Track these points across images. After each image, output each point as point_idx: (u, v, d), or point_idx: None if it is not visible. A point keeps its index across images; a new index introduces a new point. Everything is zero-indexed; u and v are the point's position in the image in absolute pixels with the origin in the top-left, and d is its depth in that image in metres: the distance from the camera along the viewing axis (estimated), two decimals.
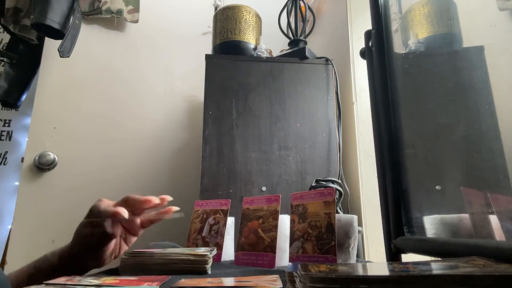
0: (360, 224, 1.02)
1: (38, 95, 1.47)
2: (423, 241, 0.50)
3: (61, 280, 0.41)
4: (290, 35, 1.26)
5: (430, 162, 0.61)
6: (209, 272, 0.52)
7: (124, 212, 0.52)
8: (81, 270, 0.53)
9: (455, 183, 0.56)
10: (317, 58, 1.19)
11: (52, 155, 1.41)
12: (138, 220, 0.58)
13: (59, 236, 1.36)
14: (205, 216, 0.74)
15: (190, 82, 1.67)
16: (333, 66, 1.16)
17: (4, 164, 1.73)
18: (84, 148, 1.47)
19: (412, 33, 0.75)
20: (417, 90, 0.66)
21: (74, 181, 1.42)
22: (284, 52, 1.22)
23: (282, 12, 1.29)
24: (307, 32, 1.29)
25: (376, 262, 0.76)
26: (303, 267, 0.29)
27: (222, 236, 0.68)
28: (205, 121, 1.07)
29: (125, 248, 0.57)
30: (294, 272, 0.31)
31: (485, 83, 0.51)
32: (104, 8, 1.56)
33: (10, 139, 1.76)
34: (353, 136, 1.13)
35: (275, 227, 0.61)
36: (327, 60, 1.17)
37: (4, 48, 1.53)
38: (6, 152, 1.74)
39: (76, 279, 0.41)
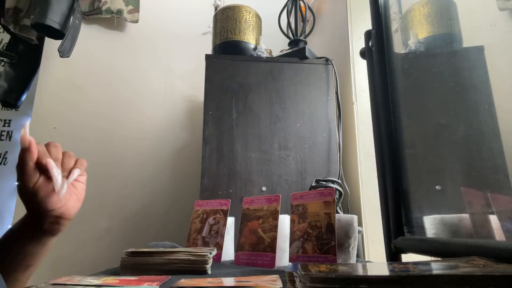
0: (360, 224, 1.02)
1: (38, 95, 1.47)
2: (423, 241, 0.50)
3: (61, 280, 0.41)
4: (290, 35, 1.26)
5: (430, 162, 0.61)
6: (209, 272, 0.52)
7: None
8: (41, 227, 0.48)
9: (455, 183, 0.56)
10: (317, 58, 1.19)
11: None
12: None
13: (59, 235, 1.36)
14: (205, 216, 0.73)
15: (190, 82, 1.67)
16: (333, 66, 1.16)
17: (4, 164, 1.73)
18: (84, 148, 1.47)
19: (412, 33, 0.75)
20: (417, 90, 0.66)
21: None
22: (284, 52, 1.22)
23: (282, 12, 1.29)
24: (307, 32, 1.29)
25: (376, 262, 0.76)
26: (303, 267, 0.29)
27: (222, 236, 0.68)
28: (205, 121, 1.07)
29: (74, 186, 0.51)
30: (294, 272, 0.31)
31: (485, 83, 0.51)
32: (104, 8, 1.56)
33: (10, 139, 1.76)
34: (353, 136, 1.13)
35: (275, 227, 0.61)
36: (327, 60, 1.17)
37: (4, 48, 1.54)
38: (6, 152, 1.74)
39: (76, 279, 0.41)
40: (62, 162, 0.49)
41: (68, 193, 0.49)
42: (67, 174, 0.49)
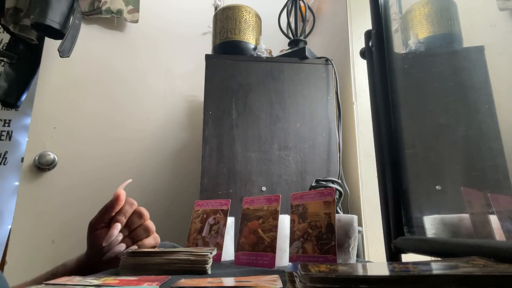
0: (360, 224, 1.02)
1: (38, 95, 1.47)
2: (423, 241, 0.50)
3: (61, 280, 0.41)
4: (290, 35, 1.26)
5: (430, 162, 0.61)
6: (209, 272, 0.51)
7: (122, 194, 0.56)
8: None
9: (455, 183, 0.56)
10: (317, 58, 1.19)
11: (52, 155, 1.41)
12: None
13: (59, 236, 1.36)
14: (205, 216, 0.73)
15: (190, 82, 1.67)
16: (333, 66, 1.16)
17: (4, 164, 1.73)
18: (84, 148, 1.47)
19: (412, 33, 0.74)
20: (417, 90, 0.66)
21: (74, 181, 1.42)
22: (284, 52, 1.22)
23: (282, 12, 1.29)
24: (307, 32, 1.29)
25: (376, 262, 0.76)
26: (303, 267, 0.29)
27: (222, 236, 0.68)
28: (205, 121, 1.07)
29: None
30: (294, 272, 0.31)
31: (485, 83, 0.51)
32: (104, 8, 1.56)
33: (10, 139, 1.76)
34: (353, 136, 1.13)
35: (275, 227, 0.61)
36: (327, 60, 1.17)
37: (4, 48, 1.53)
38: (6, 152, 1.74)
39: (76, 279, 0.41)
40: (129, 220, 0.57)
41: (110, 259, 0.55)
42: (127, 233, 0.57)
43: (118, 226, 0.54)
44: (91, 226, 0.56)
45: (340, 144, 1.10)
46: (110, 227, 0.54)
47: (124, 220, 0.55)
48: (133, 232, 0.57)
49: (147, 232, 0.58)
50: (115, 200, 0.55)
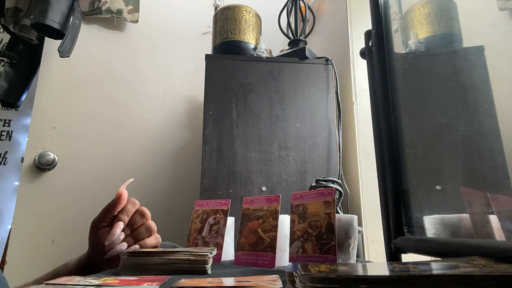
0: (360, 224, 1.02)
1: (38, 95, 1.47)
2: (423, 241, 0.50)
3: (61, 280, 0.41)
4: (290, 35, 1.26)
5: (430, 162, 0.61)
6: (209, 272, 0.51)
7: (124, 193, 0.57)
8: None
9: (455, 183, 0.56)
10: (317, 58, 1.19)
11: (52, 155, 1.41)
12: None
13: (59, 236, 1.36)
14: (205, 216, 0.73)
15: (190, 82, 1.67)
16: (333, 66, 1.16)
17: (4, 164, 1.73)
18: (84, 148, 1.47)
19: (412, 33, 0.75)
20: (417, 90, 0.66)
21: (74, 181, 1.42)
22: (284, 52, 1.22)
23: (282, 12, 1.29)
24: (307, 32, 1.29)
25: (376, 262, 0.76)
26: (303, 267, 0.29)
27: (222, 236, 0.68)
28: (205, 121, 1.07)
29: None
30: (294, 272, 0.31)
31: (485, 83, 0.51)
32: (104, 8, 1.56)
33: (10, 139, 1.76)
34: (353, 136, 1.13)
35: (275, 227, 0.61)
36: (327, 60, 1.17)
37: (4, 48, 1.53)
38: (6, 152, 1.74)
39: (76, 279, 0.41)
40: (131, 219, 0.57)
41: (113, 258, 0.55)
42: (129, 232, 0.57)
43: (120, 225, 0.54)
44: (94, 224, 0.56)
45: (340, 144, 1.10)
46: (112, 226, 0.54)
47: (126, 219, 0.56)
48: (135, 231, 0.57)
49: (149, 232, 0.58)
50: (118, 199, 0.56)
